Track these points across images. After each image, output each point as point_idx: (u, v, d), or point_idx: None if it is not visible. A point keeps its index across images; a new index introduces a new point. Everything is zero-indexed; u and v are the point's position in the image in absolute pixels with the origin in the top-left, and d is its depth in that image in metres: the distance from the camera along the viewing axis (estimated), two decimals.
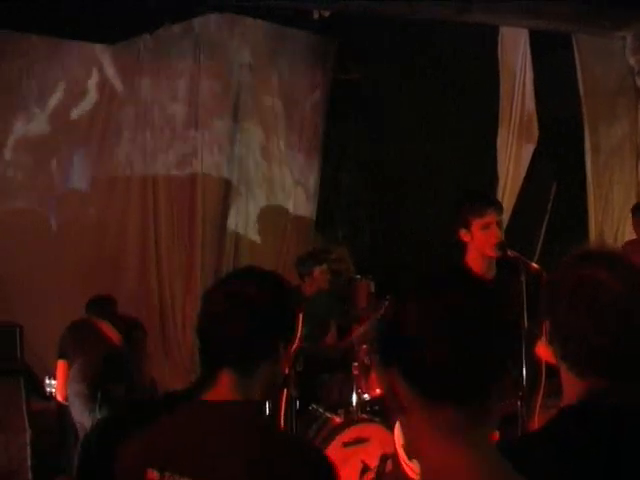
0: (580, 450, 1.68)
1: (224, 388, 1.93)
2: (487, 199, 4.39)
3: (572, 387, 1.81)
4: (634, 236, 6.77)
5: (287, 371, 3.66)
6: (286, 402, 3.64)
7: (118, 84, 6.88)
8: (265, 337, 1.96)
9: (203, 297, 2.02)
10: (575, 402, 1.78)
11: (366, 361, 5.39)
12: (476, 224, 4.09)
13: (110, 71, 6.84)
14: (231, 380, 1.93)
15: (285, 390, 3.57)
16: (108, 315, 5.39)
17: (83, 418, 5.03)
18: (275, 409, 3.66)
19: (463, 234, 4.16)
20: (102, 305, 5.45)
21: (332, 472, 1.90)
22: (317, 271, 5.99)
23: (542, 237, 7.67)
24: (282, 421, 3.62)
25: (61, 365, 5.24)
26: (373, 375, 5.14)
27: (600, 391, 1.77)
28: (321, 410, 5.07)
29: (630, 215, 6.99)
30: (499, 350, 1.44)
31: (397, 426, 4.25)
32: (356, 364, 5.28)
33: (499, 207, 4.27)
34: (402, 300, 1.49)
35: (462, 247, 4.20)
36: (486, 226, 4.07)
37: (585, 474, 1.68)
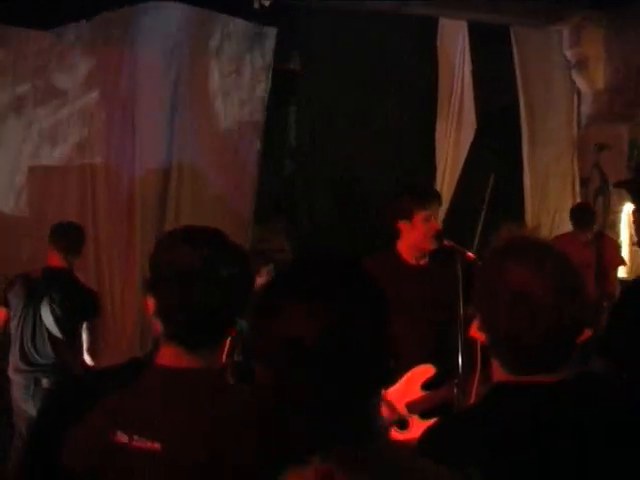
0: (507, 428, 1.72)
1: (189, 360, 1.94)
2: (431, 192, 4.45)
3: (500, 372, 1.85)
4: (569, 225, 6.91)
5: (224, 359, 3.67)
6: None
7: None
8: (232, 313, 2.00)
9: (159, 263, 1.98)
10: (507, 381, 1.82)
11: None
12: (418, 216, 4.13)
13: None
14: (194, 350, 1.95)
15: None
16: None
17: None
18: None
19: (402, 224, 4.19)
20: None
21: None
22: (264, 270, 6.01)
23: (480, 227, 7.75)
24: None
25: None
26: None
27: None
28: None
29: (567, 209, 7.16)
30: None
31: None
32: None
33: (440, 200, 4.33)
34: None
35: (395, 235, 4.23)
36: (427, 218, 4.12)
37: (513, 453, 1.70)
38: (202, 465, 1.79)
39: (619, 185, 3.90)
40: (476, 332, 1.79)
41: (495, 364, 1.88)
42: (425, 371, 4.15)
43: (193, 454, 1.80)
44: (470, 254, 3.90)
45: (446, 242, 4.08)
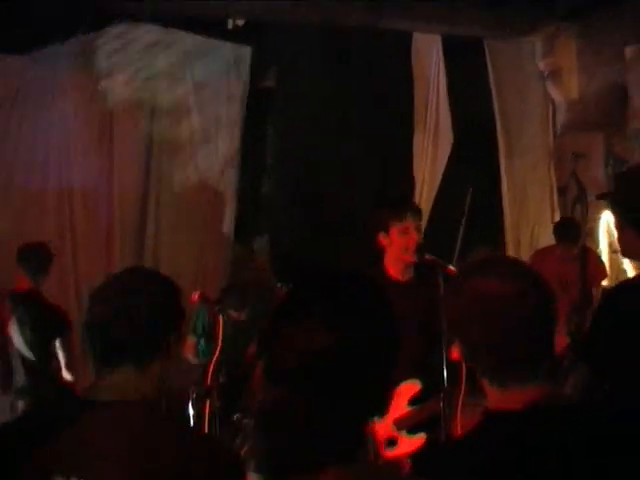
0: (494, 456, 1.71)
1: (118, 387, 1.94)
2: (406, 204, 4.45)
3: (492, 395, 1.84)
4: (549, 235, 6.94)
5: (210, 382, 3.66)
6: (209, 413, 3.62)
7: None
8: (154, 333, 1.99)
9: (90, 297, 2.04)
10: (492, 408, 1.82)
11: None
12: (394, 229, 4.14)
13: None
14: (124, 379, 1.95)
15: (208, 401, 3.55)
16: None
17: None
18: (199, 420, 3.64)
19: (382, 238, 4.20)
20: None
21: (226, 459, 1.94)
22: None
23: (460, 241, 7.78)
24: (206, 430, 3.60)
25: None
26: None
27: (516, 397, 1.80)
28: (246, 420, 5.05)
29: (546, 219, 7.20)
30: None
31: None
32: None
33: (418, 212, 4.32)
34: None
35: (380, 251, 4.24)
36: (404, 231, 4.12)
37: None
38: None
39: (601, 197, 3.93)
40: (457, 355, 1.81)
41: (484, 384, 1.87)
42: (411, 387, 4.16)
43: None
44: (451, 268, 3.90)
45: (427, 257, 4.09)
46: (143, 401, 1.95)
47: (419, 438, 4.15)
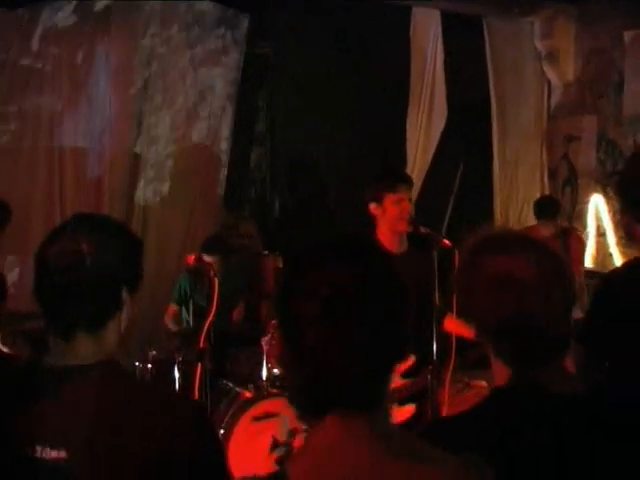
0: (508, 430, 1.73)
1: (79, 350, 1.88)
2: (400, 175, 4.49)
3: (501, 372, 1.85)
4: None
5: (202, 345, 3.67)
6: (200, 376, 3.63)
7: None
8: (106, 289, 1.90)
9: (35, 259, 1.92)
10: (504, 385, 1.83)
11: (275, 335, 5.42)
12: (388, 199, 4.17)
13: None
14: (83, 340, 1.88)
15: (200, 364, 3.55)
16: None
17: None
18: (189, 383, 3.65)
19: (374, 208, 4.23)
20: None
21: (199, 417, 1.92)
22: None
23: (448, 216, 7.81)
24: (197, 395, 3.62)
25: None
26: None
27: (526, 375, 1.82)
28: (231, 385, 5.07)
29: (535, 197, 7.21)
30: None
31: None
32: (265, 339, 5.28)
33: (410, 183, 4.37)
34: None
35: (373, 222, 4.27)
36: (398, 201, 4.16)
37: (513, 455, 1.72)
38: (110, 465, 1.77)
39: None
40: (451, 323, 1.82)
41: (495, 364, 1.87)
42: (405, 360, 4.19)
43: (99, 456, 1.77)
44: (446, 241, 3.93)
45: (422, 229, 4.12)
46: (102, 363, 1.89)
47: (408, 409, 4.25)
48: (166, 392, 2.07)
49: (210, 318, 3.48)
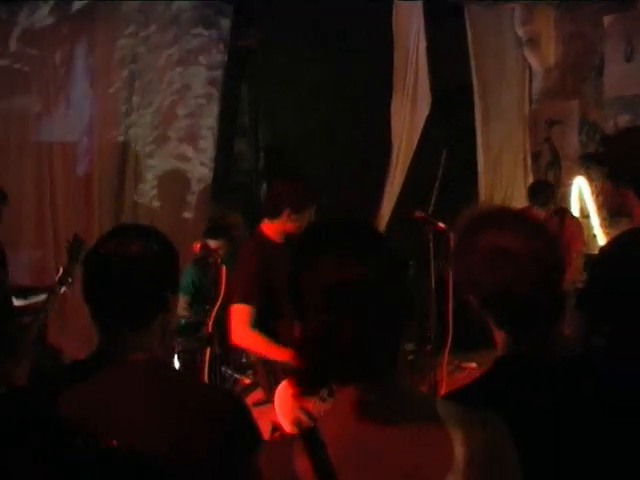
0: (512, 398, 1.79)
1: (124, 347, 1.97)
2: None
3: (503, 342, 1.94)
4: (522, 198, 7.08)
5: (210, 330, 3.74)
6: (210, 360, 3.70)
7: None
8: (154, 291, 2.00)
9: (84, 260, 2.03)
10: (506, 353, 1.92)
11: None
12: None
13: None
14: (129, 338, 1.97)
15: (209, 348, 3.63)
16: None
17: None
18: (198, 367, 3.72)
19: None
20: None
21: (242, 410, 2.01)
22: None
23: (433, 202, 7.89)
24: (206, 378, 3.69)
25: None
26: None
27: (527, 343, 1.91)
28: (230, 372, 5.15)
29: (519, 180, 7.33)
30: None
31: (277, 394, 4.31)
32: None
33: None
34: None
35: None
36: None
37: (525, 426, 1.79)
38: (162, 458, 1.83)
39: (588, 159, 4.08)
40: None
41: (497, 334, 1.96)
42: None
43: (151, 447, 1.83)
44: (441, 224, 4.03)
45: (417, 213, 4.23)
46: (147, 358, 1.99)
47: None
48: (205, 384, 2.16)
49: (219, 303, 3.55)
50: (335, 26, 7.43)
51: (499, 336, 1.95)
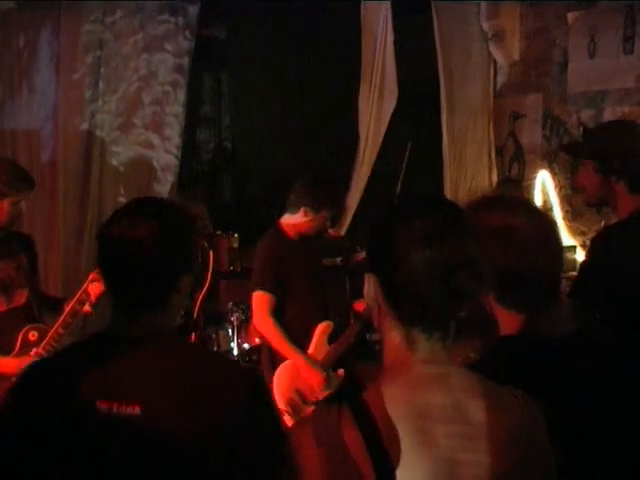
0: (519, 374, 1.81)
1: (143, 324, 2.01)
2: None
3: (509, 322, 1.99)
4: (486, 192, 7.16)
5: (196, 315, 3.74)
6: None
7: None
8: (167, 273, 2.02)
9: (99, 239, 2.04)
10: (512, 331, 1.97)
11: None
12: None
13: None
14: (147, 316, 2.02)
15: (193, 334, 3.64)
16: None
17: None
18: None
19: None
20: None
21: (259, 384, 2.08)
22: None
23: (398, 193, 7.94)
24: None
25: None
26: (252, 325, 5.27)
27: (534, 322, 1.96)
28: None
29: (483, 173, 7.43)
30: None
31: (277, 374, 4.44)
32: (236, 315, 5.38)
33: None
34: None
35: None
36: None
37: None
38: (182, 425, 1.89)
39: (567, 151, 4.19)
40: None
41: (498, 312, 2.00)
42: (326, 326, 4.60)
43: (170, 416, 1.89)
44: None
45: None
46: (167, 333, 2.05)
47: (340, 373, 4.68)
48: (225, 357, 2.20)
49: (205, 288, 3.56)
50: (303, 17, 7.45)
51: (500, 313, 1.99)
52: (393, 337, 1.62)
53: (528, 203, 2.15)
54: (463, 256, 1.57)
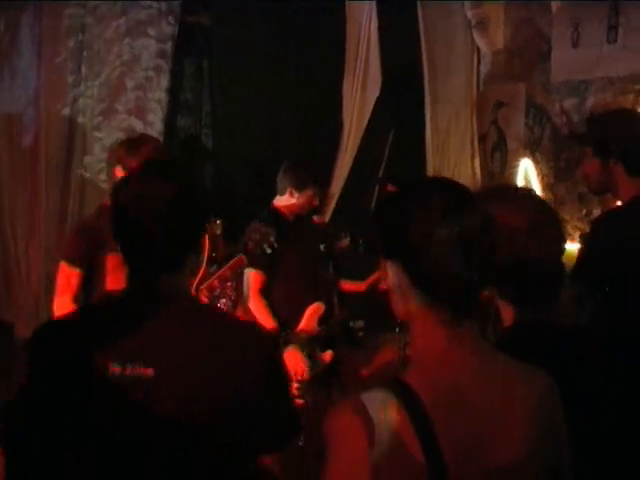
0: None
1: (160, 288, 2.01)
2: None
3: (507, 312, 2.00)
4: (468, 180, 7.20)
5: (194, 294, 3.70)
6: None
7: None
8: (188, 232, 2.03)
9: (112, 204, 2.02)
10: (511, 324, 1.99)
11: (232, 297, 5.51)
12: None
13: None
14: (163, 279, 2.01)
15: None
16: None
17: None
18: None
19: None
20: None
21: (274, 350, 2.09)
22: None
23: (379, 185, 7.94)
24: None
25: None
26: (240, 310, 5.25)
27: (530, 312, 1.98)
28: None
29: (466, 162, 7.45)
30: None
31: None
32: (224, 300, 5.35)
33: None
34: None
35: None
36: None
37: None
38: (194, 390, 1.89)
39: (576, 138, 4.25)
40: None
41: (501, 306, 2.02)
42: (318, 307, 4.80)
43: (185, 379, 1.90)
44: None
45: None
46: (183, 297, 2.06)
47: (328, 353, 4.82)
48: (242, 320, 2.20)
49: (203, 268, 3.52)
50: (288, 6, 7.41)
51: (502, 306, 2.00)
52: (422, 320, 1.61)
53: (525, 194, 2.15)
54: (479, 224, 1.57)
